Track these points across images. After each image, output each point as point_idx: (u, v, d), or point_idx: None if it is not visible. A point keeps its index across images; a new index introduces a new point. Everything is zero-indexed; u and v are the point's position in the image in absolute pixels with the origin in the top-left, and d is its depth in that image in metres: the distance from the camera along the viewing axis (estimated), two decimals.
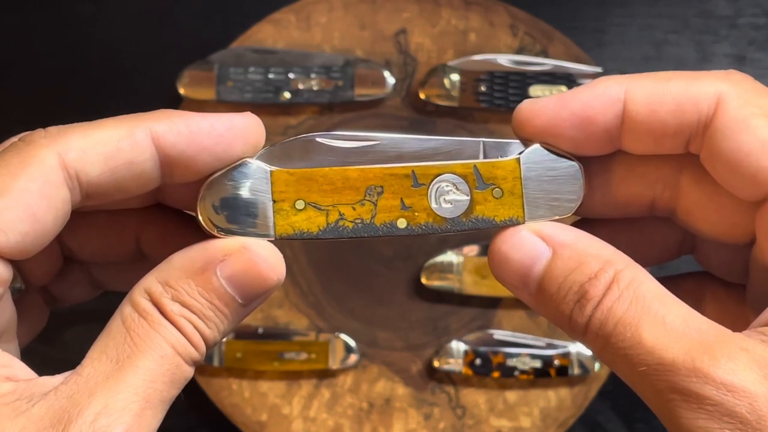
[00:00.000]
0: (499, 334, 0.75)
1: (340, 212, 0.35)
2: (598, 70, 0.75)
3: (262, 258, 0.34)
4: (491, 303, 0.76)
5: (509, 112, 0.68)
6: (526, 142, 0.36)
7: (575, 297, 0.34)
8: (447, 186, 0.36)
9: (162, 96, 0.76)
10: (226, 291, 0.34)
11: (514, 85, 0.74)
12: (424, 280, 0.75)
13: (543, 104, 0.36)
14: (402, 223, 0.36)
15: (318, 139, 0.36)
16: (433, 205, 0.36)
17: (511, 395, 0.75)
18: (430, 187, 0.36)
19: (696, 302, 0.39)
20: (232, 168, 0.35)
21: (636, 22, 0.78)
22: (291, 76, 0.75)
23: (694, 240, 0.40)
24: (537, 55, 0.76)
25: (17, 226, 0.32)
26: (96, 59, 0.79)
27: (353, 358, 0.74)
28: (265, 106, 0.75)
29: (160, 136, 0.34)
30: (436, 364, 0.74)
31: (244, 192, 0.35)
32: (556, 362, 0.73)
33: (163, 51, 0.78)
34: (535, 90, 0.74)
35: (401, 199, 0.35)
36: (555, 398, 0.75)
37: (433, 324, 0.76)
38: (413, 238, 0.75)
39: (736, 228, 0.36)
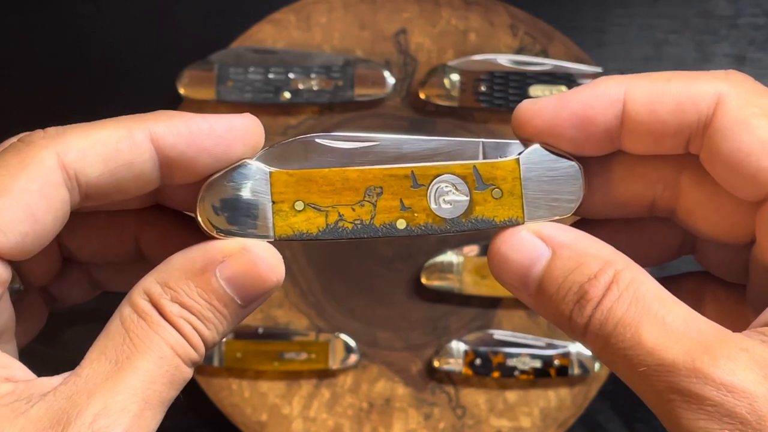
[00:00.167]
0: (499, 334, 0.75)
1: (339, 213, 0.35)
2: (598, 70, 0.75)
3: (262, 259, 0.34)
4: (491, 303, 0.76)
5: (509, 112, 0.68)
6: (526, 143, 0.36)
7: (575, 297, 0.34)
8: (446, 186, 0.36)
9: (162, 96, 0.76)
10: (226, 292, 0.34)
11: (514, 85, 0.74)
12: (424, 280, 0.75)
13: (543, 104, 0.36)
14: (401, 224, 0.36)
15: (317, 140, 0.36)
16: (433, 206, 0.36)
17: (511, 395, 0.75)
18: (430, 187, 0.36)
19: (696, 302, 0.39)
20: (232, 169, 0.35)
21: (636, 22, 0.78)
22: (291, 76, 0.75)
23: (695, 240, 0.40)
24: (537, 55, 0.76)
25: (17, 226, 0.32)
26: (96, 59, 0.79)
27: (353, 358, 0.74)
28: (265, 106, 0.75)
29: (159, 137, 0.34)
30: (436, 364, 0.74)
31: (244, 193, 0.35)
32: (556, 362, 0.73)
33: (163, 51, 0.78)
34: (535, 90, 0.74)
35: (401, 199, 0.35)
36: (555, 398, 0.75)
37: (433, 324, 0.76)
38: (413, 238, 0.75)
39: (736, 228, 0.36)
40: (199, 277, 0.34)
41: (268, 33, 0.76)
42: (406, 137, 0.36)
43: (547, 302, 0.35)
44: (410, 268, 0.76)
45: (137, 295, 0.34)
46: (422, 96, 0.75)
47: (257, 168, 0.35)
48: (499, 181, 0.36)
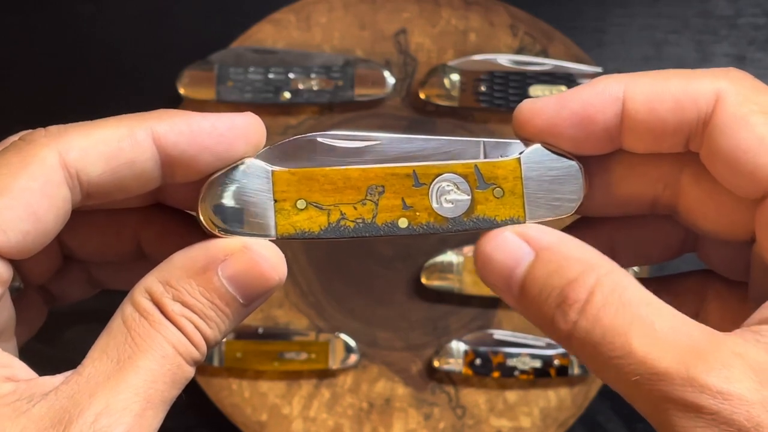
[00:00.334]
0: (499, 334, 0.75)
1: (341, 212, 0.35)
2: (598, 70, 0.75)
3: (264, 258, 0.34)
4: (491, 303, 0.76)
5: (509, 112, 0.68)
6: (527, 142, 0.36)
7: (556, 301, 0.33)
8: (448, 186, 0.36)
9: (162, 96, 0.76)
10: (228, 291, 0.34)
11: (514, 85, 0.74)
12: (424, 280, 0.75)
13: (543, 104, 0.36)
14: (403, 223, 0.36)
15: (319, 139, 0.36)
16: (434, 205, 0.36)
17: (511, 395, 0.75)
18: (431, 186, 0.36)
19: (699, 300, 0.39)
20: (234, 168, 0.35)
21: (636, 22, 0.78)
22: (291, 76, 0.75)
23: (697, 238, 0.40)
24: (537, 55, 0.76)
25: (18, 225, 0.32)
26: (96, 59, 0.79)
27: (353, 358, 0.74)
28: (265, 106, 0.75)
29: (161, 135, 0.34)
30: (436, 364, 0.74)
31: (246, 192, 0.35)
32: (556, 362, 0.73)
33: (163, 51, 0.78)
34: (535, 90, 0.74)
35: (402, 198, 0.35)
36: (555, 398, 0.75)
37: (433, 324, 0.76)
38: (413, 237, 0.75)
39: (737, 225, 0.36)
40: (201, 275, 0.34)
41: (268, 33, 0.76)
42: (407, 136, 0.36)
43: (530, 305, 0.34)
44: (410, 268, 0.76)
45: (139, 294, 0.34)
46: (422, 96, 0.75)
47: (259, 166, 0.35)
48: (500, 181, 0.36)
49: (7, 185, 0.32)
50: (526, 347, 0.74)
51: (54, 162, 0.32)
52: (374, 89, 0.75)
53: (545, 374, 0.74)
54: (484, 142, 0.37)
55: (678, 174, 0.37)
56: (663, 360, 0.31)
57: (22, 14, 0.78)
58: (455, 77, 0.74)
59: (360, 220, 0.35)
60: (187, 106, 0.74)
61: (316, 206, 0.35)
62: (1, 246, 0.32)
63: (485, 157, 0.36)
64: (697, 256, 0.41)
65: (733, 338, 0.31)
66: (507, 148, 0.37)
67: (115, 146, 0.33)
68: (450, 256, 0.74)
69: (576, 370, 0.73)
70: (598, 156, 0.37)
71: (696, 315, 0.39)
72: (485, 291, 0.74)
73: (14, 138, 0.34)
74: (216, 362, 0.73)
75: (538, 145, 0.36)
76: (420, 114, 0.77)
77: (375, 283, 0.76)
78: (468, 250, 0.74)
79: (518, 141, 0.37)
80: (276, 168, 0.35)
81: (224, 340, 0.73)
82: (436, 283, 0.75)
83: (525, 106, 0.36)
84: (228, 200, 0.35)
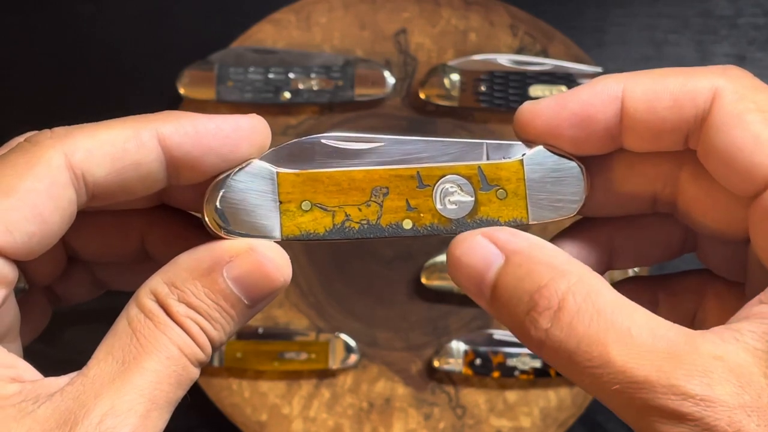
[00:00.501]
0: (499, 334, 0.75)
1: (346, 213, 0.35)
2: (598, 70, 0.75)
3: (269, 259, 0.34)
4: None
5: (509, 112, 0.68)
6: (529, 144, 0.36)
7: (526, 307, 0.33)
8: (452, 187, 0.36)
9: (162, 96, 0.76)
10: (233, 292, 0.34)
11: (514, 85, 0.74)
12: (424, 280, 0.75)
13: (543, 105, 0.36)
14: (407, 224, 0.36)
15: (323, 141, 0.36)
16: (438, 206, 0.36)
17: (511, 395, 0.75)
18: (435, 188, 0.36)
19: (697, 299, 0.39)
20: (239, 169, 0.35)
21: (636, 22, 0.78)
22: (291, 76, 0.75)
23: (696, 238, 0.40)
24: (537, 55, 0.76)
25: (24, 226, 0.32)
26: (96, 59, 0.79)
27: (353, 358, 0.74)
28: (265, 106, 0.75)
29: (166, 137, 0.34)
30: (436, 364, 0.74)
31: (251, 193, 0.35)
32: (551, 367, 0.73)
33: (163, 51, 0.78)
34: (535, 90, 0.74)
35: (406, 200, 0.36)
36: (555, 398, 0.75)
37: (433, 324, 0.76)
38: (414, 238, 0.75)
39: (734, 224, 0.36)
40: (206, 277, 0.34)
41: (268, 33, 0.76)
42: (411, 138, 0.37)
43: (501, 309, 0.34)
44: (410, 268, 0.76)
45: (144, 295, 0.34)
46: (422, 96, 0.75)
47: (264, 168, 0.35)
48: (503, 182, 0.36)
49: (13, 186, 0.32)
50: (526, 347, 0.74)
51: (60, 163, 0.32)
52: (374, 89, 0.75)
53: (545, 374, 0.74)
54: (486, 143, 0.37)
55: (677, 172, 0.37)
56: (642, 368, 0.30)
57: (22, 14, 0.78)
58: (455, 77, 0.74)
59: (365, 222, 0.35)
60: (187, 106, 0.74)
61: (321, 208, 0.35)
62: (6, 247, 0.32)
63: (488, 159, 0.37)
64: (696, 256, 0.41)
65: (711, 338, 0.31)
66: (509, 150, 0.37)
67: (120, 148, 0.33)
68: None
69: None
70: (598, 156, 0.37)
71: (694, 314, 0.40)
72: None
73: (20, 139, 0.34)
74: (216, 362, 0.73)
75: (540, 147, 0.36)
76: (420, 114, 0.77)
77: (375, 283, 0.76)
78: None
79: (521, 143, 0.37)
80: (281, 169, 0.35)
81: None
82: (436, 283, 0.75)
83: (525, 107, 0.36)
84: (233, 202, 0.35)
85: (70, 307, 0.43)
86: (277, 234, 0.35)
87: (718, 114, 0.34)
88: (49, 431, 0.31)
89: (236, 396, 0.74)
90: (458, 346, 0.74)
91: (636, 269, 0.68)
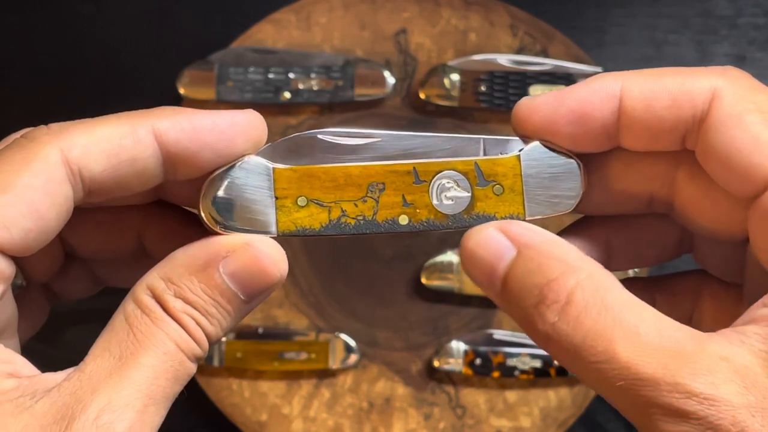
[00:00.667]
0: (499, 334, 0.75)
1: (342, 209, 0.35)
2: (598, 70, 0.75)
3: (265, 254, 0.34)
4: (491, 303, 0.75)
5: (509, 112, 0.68)
6: (526, 140, 0.36)
7: (534, 300, 0.33)
8: (448, 183, 0.36)
9: (162, 96, 0.76)
10: (229, 287, 0.34)
11: (514, 85, 0.74)
12: (424, 280, 0.75)
13: (541, 101, 0.36)
14: (404, 220, 0.36)
15: (320, 136, 0.36)
16: (435, 202, 0.36)
17: (511, 395, 0.75)
18: (432, 183, 0.36)
19: (694, 300, 0.39)
20: (235, 165, 0.35)
21: (636, 22, 0.78)
22: (291, 76, 0.75)
23: (693, 239, 0.40)
24: (537, 55, 0.76)
25: (20, 222, 0.32)
26: (96, 59, 0.79)
27: (353, 358, 0.74)
28: (265, 106, 0.75)
29: (162, 132, 0.34)
30: (436, 364, 0.74)
31: (247, 189, 0.35)
32: (556, 362, 0.73)
33: (163, 51, 0.78)
34: (535, 90, 0.74)
35: (403, 195, 0.36)
36: (555, 398, 0.75)
37: (433, 324, 0.76)
38: (413, 237, 0.76)
39: (732, 224, 0.36)
40: (202, 272, 0.34)
41: (268, 33, 0.76)
42: (407, 133, 0.37)
43: (511, 303, 0.34)
44: (410, 268, 0.76)
45: (140, 291, 0.34)
46: (422, 96, 0.75)
47: (260, 164, 0.35)
48: (500, 178, 0.36)
49: (9, 182, 0.32)
50: (526, 347, 0.74)
51: (56, 159, 0.32)
52: (374, 89, 0.75)
53: (545, 374, 0.74)
54: (483, 139, 0.37)
55: (674, 172, 0.37)
56: (648, 365, 0.30)
57: (22, 14, 0.78)
58: (455, 77, 0.74)
59: (361, 217, 0.35)
60: (187, 106, 0.73)
61: (317, 203, 0.35)
62: (3, 243, 0.32)
63: (485, 155, 0.37)
64: (693, 258, 0.41)
65: (718, 339, 0.31)
66: (507, 146, 0.37)
67: (116, 143, 0.33)
68: (450, 256, 0.74)
69: None
70: (596, 154, 0.37)
71: (691, 315, 0.39)
72: None
73: (16, 135, 0.34)
74: (216, 362, 0.73)
75: (537, 143, 0.36)
76: (420, 114, 0.77)
77: (375, 283, 0.76)
78: None
79: (518, 138, 0.37)
80: (277, 165, 0.35)
81: (225, 340, 0.73)
82: (436, 283, 0.75)
83: (523, 103, 0.36)
84: (229, 197, 0.35)
85: (70, 307, 0.43)
86: (273, 229, 0.35)
87: (718, 114, 0.34)
88: (47, 426, 0.31)
89: (236, 396, 0.74)
90: (458, 346, 0.74)
91: (636, 270, 0.68)
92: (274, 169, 0.35)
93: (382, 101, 0.76)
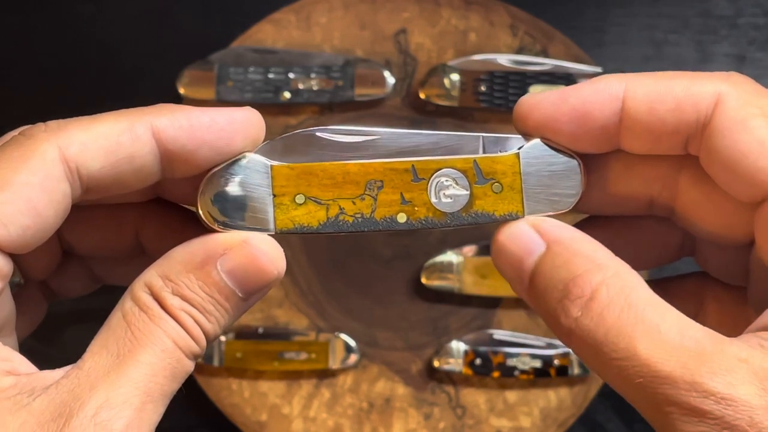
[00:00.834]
0: (499, 334, 0.75)
1: (340, 206, 0.35)
2: (598, 70, 0.75)
3: (263, 252, 0.34)
4: (491, 303, 0.76)
5: (509, 112, 0.68)
6: (527, 137, 0.36)
7: (559, 295, 0.33)
8: (447, 181, 0.36)
9: (162, 96, 0.76)
10: (227, 285, 0.34)
11: (514, 85, 0.74)
12: (424, 280, 0.75)
13: (544, 98, 0.36)
14: (402, 218, 0.36)
15: (318, 134, 0.36)
16: (433, 200, 0.36)
17: (511, 395, 0.75)
18: (430, 181, 0.36)
19: (697, 303, 0.39)
20: (233, 162, 0.35)
21: (636, 22, 0.78)
22: (291, 76, 0.75)
23: (694, 242, 0.40)
24: (537, 55, 0.76)
25: (18, 219, 0.32)
26: (96, 59, 0.79)
27: (353, 358, 0.74)
28: (265, 106, 0.75)
29: (160, 130, 0.34)
30: (436, 364, 0.74)
31: (245, 186, 0.35)
32: (556, 362, 0.73)
33: (163, 51, 0.78)
34: (534, 90, 0.74)
35: (401, 193, 0.36)
36: (555, 398, 0.75)
37: (433, 324, 0.76)
38: (413, 236, 0.76)
39: (735, 229, 0.36)
40: (200, 270, 0.34)
41: (268, 33, 0.76)
42: (406, 131, 0.37)
43: (537, 297, 0.35)
44: (410, 268, 0.76)
45: (138, 289, 0.34)
46: (422, 96, 0.75)
47: (258, 161, 0.35)
48: (499, 176, 0.36)
49: (7, 180, 0.32)
50: (526, 347, 0.74)
51: (54, 156, 0.32)
52: (374, 89, 0.75)
53: (545, 374, 0.74)
54: (483, 137, 0.37)
55: (676, 175, 0.37)
56: (667, 363, 0.30)
57: (22, 14, 0.79)
58: (455, 77, 0.74)
59: (359, 215, 0.35)
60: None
61: (314, 201, 0.35)
62: (1, 240, 0.32)
63: (484, 152, 0.37)
64: (694, 260, 0.41)
65: (738, 343, 0.31)
66: (506, 144, 0.37)
67: (114, 141, 0.33)
68: (450, 256, 0.74)
69: (576, 370, 0.73)
70: (596, 154, 0.37)
71: (694, 318, 0.39)
72: (485, 291, 0.74)
73: (14, 133, 0.34)
74: (216, 362, 0.73)
75: (537, 141, 0.36)
76: (420, 114, 0.77)
77: (375, 283, 0.76)
78: (468, 250, 0.74)
79: (517, 136, 0.37)
80: (275, 163, 0.35)
81: (224, 339, 0.73)
82: (436, 283, 0.75)
83: (525, 99, 0.36)
84: (227, 195, 0.35)
85: (70, 307, 0.43)
86: (271, 227, 0.35)
87: (722, 119, 0.33)
88: (44, 424, 0.31)
89: (236, 396, 0.74)
90: (458, 346, 0.74)
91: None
92: (272, 166, 0.35)
93: (382, 101, 0.76)
